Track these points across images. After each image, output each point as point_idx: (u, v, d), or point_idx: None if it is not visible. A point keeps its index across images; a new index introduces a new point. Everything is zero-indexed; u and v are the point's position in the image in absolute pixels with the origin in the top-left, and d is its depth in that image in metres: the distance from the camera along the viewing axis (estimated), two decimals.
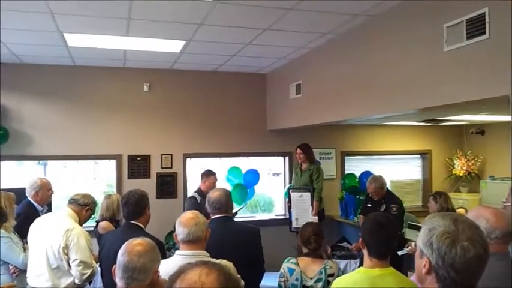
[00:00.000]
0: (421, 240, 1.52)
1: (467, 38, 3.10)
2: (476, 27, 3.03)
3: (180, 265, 1.31)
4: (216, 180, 5.76)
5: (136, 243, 2.16)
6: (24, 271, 3.66)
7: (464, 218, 1.56)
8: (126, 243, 2.18)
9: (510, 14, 2.79)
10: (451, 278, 1.43)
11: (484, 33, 2.96)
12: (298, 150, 6.24)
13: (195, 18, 4.25)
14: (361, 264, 2.78)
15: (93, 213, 3.97)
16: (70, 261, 3.48)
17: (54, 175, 6.69)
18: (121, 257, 2.11)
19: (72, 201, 3.79)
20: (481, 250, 1.43)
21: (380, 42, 4.20)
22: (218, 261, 2.65)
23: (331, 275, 3.14)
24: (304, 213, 6.02)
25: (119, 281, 2.12)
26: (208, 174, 5.71)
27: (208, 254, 2.61)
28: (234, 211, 5.82)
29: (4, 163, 5.97)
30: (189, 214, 2.74)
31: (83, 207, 3.79)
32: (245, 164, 7.16)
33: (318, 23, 4.46)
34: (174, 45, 5.24)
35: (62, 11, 4.00)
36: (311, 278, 3.17)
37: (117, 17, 4.18)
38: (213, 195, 3.40)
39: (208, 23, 4.36)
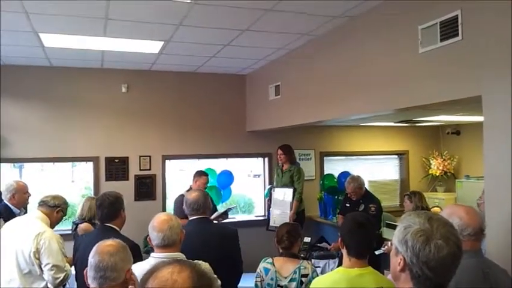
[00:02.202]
0: (397, 238, 1.55)
1: (441, 40, 3.16)
2: (449, 29, 3.08)
3: (153, 264, 1.31)
4: (207, 180, 5.79)
5: (106, 244, 2.17)
6: None
7: (438, 216, 1.59)
8: (96, 245, 2.18)
9: (482, 16, 2.86)
10: (424, 275, 1.45)
11: (457, 35, 3.02)
12: (279, 151, 6.27)
13: (173, 19, 4.22)
14: (340, 264, 2.80)
15: (64, 214, 3.87)
16: (42, 266, 3.41)
17: (31, 178, 6.58)
18: (92, 258, 2.11)
19: (42, 204, 3.70)
20: (455, 247, 1.46)
21: (357, 43, 4.25)
22: (194, 262, 2.65)
23: (305, 276, 3.16)
24: (283, 212, 6.04)
25: (91, 282, 2.10)
26: (200, 174, 5.75)
27: (184, 256, 2.59)
28: (222, 211, 5.83)
29: None
30: (163, 216, 2.70)
31: (54, 208, 3.71)
32: (224, 165, 7.15)
33: (296, 24, 4.48)
34: (153, 46, 5.20)
35: (37, 11, 3.92)
36: (285, 278, 3.19)
37: (94, 17, 4.13)
38: (190, 196, 3.38)
39: (186, 23, 4.34)
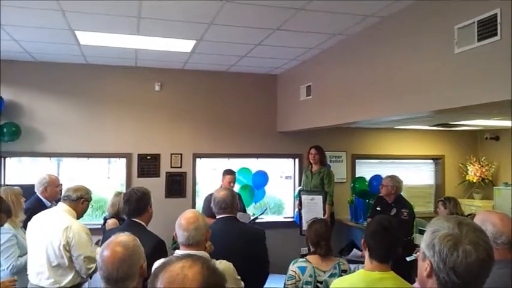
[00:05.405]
0: (424, 242, 1.50)
1: (479, 40, 3.04)
2: (487, 28, 2.96)
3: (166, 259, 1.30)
4: (233, 179, 5.81)
5: (111, 255, 2.00)
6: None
7: (469, 221, 1.52)
8: (102, 248, 2.06)
9: None
10: (451, 282, 1.39)
11: (496, 34, 2.90)
12: (313, 150, 6.17)
13: (205, 18, 4.24)
14: None
15: (89, 202, 3.89)
16: (74, 258, 3.47)
17: (69, 173, 6.78)
18: (100, 270, 2.00)
19: (66, 198, 3.72)
20: (484, 254, 1.39)
21: (390, 43, 4.15)
22: (218, 261, 2.63)
23: (345, 271, 3.14)
24: (315, 216, 5.95)
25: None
26: (227, 173, 5.79)
27: (207, 255, 2.57)
28: (254, 215, 5.81)
29: (16, 159, 6.12)
30: (190, 214, 2.68)
31: (78, 201, 3.74)
32: (258, 165, 7.14)
33: (327, 24, 4.42)
34: (185, 45, 5.24)
35: (72, 9, 4.01)
36: (325, 272, 3.13)
37: (127, 16, 4.19)
38: (218, 195, 3.37)
39: (217, 22, 4.35)
